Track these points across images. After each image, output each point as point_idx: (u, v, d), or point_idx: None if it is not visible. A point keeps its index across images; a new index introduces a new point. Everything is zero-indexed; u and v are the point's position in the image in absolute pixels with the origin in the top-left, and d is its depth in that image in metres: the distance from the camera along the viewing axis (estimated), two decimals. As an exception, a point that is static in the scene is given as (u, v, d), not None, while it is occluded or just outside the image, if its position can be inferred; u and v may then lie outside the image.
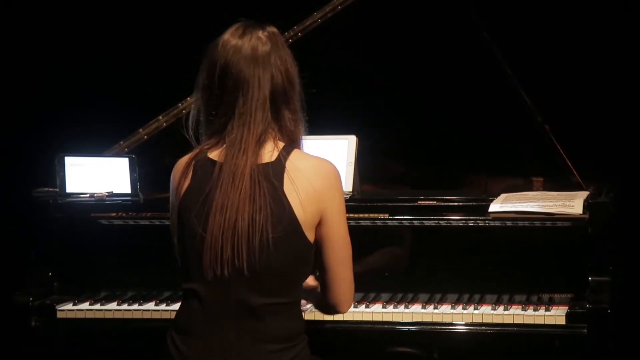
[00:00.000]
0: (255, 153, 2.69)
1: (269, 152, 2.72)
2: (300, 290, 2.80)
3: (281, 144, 2.74)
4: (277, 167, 2.70)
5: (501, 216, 3.56)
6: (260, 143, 2.71)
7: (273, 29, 2.79)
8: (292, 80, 2.77)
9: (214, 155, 2.74)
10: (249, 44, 2.73)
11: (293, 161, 2.72)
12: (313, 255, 2.77)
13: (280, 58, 2.75)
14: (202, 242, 2.67)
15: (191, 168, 2.75)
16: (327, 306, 2.86)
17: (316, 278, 2.90)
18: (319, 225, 2.75)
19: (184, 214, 2.72)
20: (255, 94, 2.71)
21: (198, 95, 2.80)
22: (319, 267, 2.81)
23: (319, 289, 2.89)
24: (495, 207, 3.57)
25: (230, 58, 2.72)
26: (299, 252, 2.72)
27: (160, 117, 3.98)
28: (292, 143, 2.77)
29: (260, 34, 2.75)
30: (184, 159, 2.79)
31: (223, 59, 2.73)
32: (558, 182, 3.84)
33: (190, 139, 2.84)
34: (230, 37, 2.75)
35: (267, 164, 2.70)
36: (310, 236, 2.73)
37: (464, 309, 3.50)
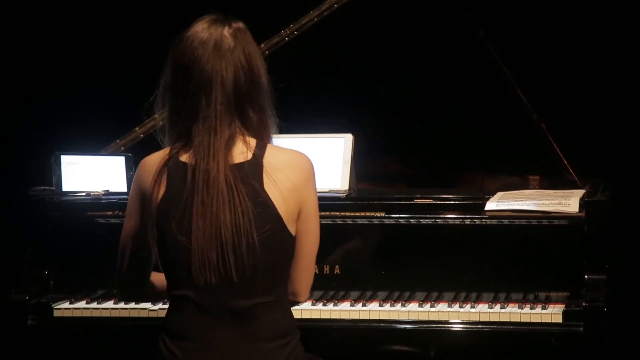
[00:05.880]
0: (226, 155, 2.65)
1: (242, 153, 2.68)
2: (287, 285, 2.78)
3: (253, 141, 2.70)
4: (255, 166, 2.67)
5: (497, 214, 3.56)
6: (229, 146, 2.67)
7: (239, 25, 2.74)
8: (255, 79, 2.71)
9: (184, 158, 2.69)
10: (212, 39, 2.68)
11: (269, 158, 2.69)
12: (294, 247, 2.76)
13: (245, 54, 2.70)
14: (188, 251, 2.64)
15: (165, 174, 2.69)
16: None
17: None
18: (296, 219, 2.74)
19: (164, 222, 2.67)
20: (219, 97, 2.66)
21: (163, 92, 2.77)
22: None
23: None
24: (491, 205, 3.57)
25: (194, 54, 2.67)
26: (284, 246, 2.71)
27: (157, 116, 3.95)
28: (263, 140, 2.73)
29: (226, 30, 2.70)
30: (153, 160, 2.74)
31: (187, 55, 2.68)
32: (554, 181, 3.84)
33: (161, 143, 2.79)
34: (195, 33, 2.70)
35: (242, 163, 2.67)
36: (292, 229, 2.71)
37: (460, 307, 3.50)
